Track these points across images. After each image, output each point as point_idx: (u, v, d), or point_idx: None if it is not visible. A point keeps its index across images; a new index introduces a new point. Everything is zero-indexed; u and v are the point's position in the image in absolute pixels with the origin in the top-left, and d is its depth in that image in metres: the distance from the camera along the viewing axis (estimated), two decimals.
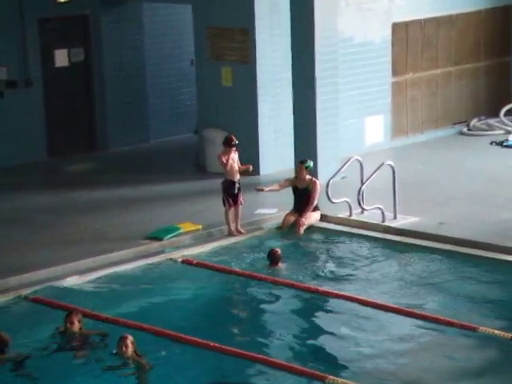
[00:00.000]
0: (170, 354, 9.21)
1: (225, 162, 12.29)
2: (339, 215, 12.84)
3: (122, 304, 10.45)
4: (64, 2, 15.93)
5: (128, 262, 11.55)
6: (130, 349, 8.88)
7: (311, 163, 12.72)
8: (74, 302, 10.35)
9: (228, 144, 12.38)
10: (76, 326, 9.30)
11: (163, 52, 17.07)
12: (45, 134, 16.09)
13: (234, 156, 12.36)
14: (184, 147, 16.59)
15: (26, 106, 15.82)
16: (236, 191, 12.36)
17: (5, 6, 15.42)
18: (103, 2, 16.26)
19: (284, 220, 12.58)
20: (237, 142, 12.39)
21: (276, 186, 12.82)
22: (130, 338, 8.91)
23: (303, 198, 12.60)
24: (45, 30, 15.95)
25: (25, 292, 10.72)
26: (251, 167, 12.56)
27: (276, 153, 14.91)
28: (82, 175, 15.36)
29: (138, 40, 16.69)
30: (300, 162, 12.77)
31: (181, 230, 12.34)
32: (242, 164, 12.47)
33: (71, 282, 11.05)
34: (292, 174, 13.00)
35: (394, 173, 12.65)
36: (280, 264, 11.34)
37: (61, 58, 16.21)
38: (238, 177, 12.42)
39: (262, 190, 12.73)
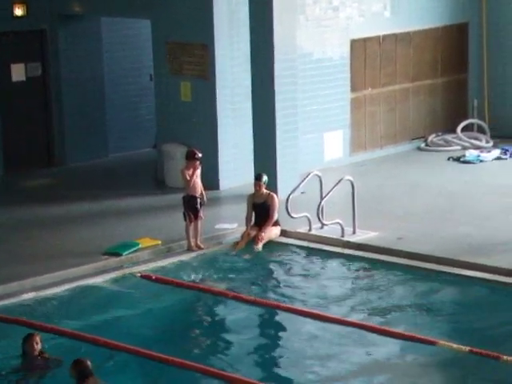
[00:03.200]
0: (126, 368, 9.13)
1: (188, 178, 12.22)
2: (299, 230, 12.85)
3: (80, 319, 10.34)
4: (20, 16, 15.82)
5: (86, 278, 11.43)
6: (38, 347, 8.98)
7: (266, 177, 12.69)
8: (31, 318, 10.22)
9: (191, 158, 12.32)
10: (33, 347, 9.10)
11: (122, 66, 17.01)
12: (1, 149, 15.92)
13: (197, 171, 12.31)
14: (143, 162, 16.51)
15: None
16: (198, 206, 12.31)
17: None
18: (60, 17, 16.17)
19: (244, 234, 12.55)
20: (200, 155, 12.35)
21: (249, 223, 12.47)
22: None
23: (262, 212, 12.58)
24: (1, 44, 15.82)
25: None
26: None
27: (235, 168, 14.90)
28: (39, 190, 15.20)
29: (96, 55, 16.60)
30: (256, 179, 12.74)
31: (139, 246, 12.25)
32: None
33: (28, 298, 10.89)
34: (252, 189, 12.99)
35: (353, 188, 12.70)
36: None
37: (17, 72, 16.07)
38: (199, 191, 12.37)
39: (259, 242, 12.27)
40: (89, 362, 8.50)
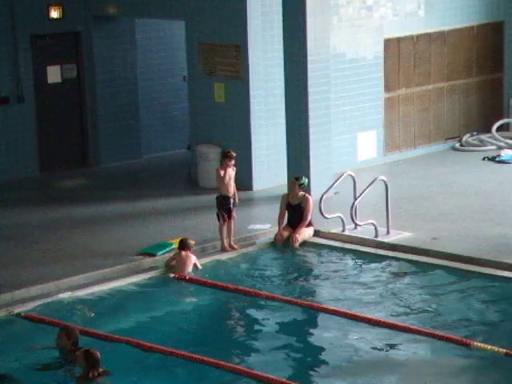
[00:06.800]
0: (161, 369, 9.17)
1: (222, 176, 12.30)
2: (332, 230, 12.83)
3: (115, 320, 10.41)
4: (56, 19, 15.97)
5: (121, 278, 11.50)
6: (65, 341, 9.10)
7: (306, 180, 12.70)
8: (66, 319, 10.31)
9: (224, 156, 12.40)
10: (63, 341, 9.22)
11: (155, 68, 17.09)
12: (37, 150, 16.07)
13: (232, 172, 12.37)
14: (177, 163, 16.58)
15: (18, 122, 15.82)
16: (231, 206, 12.36)
17: None
18: (95, 19, 16.29)
19: (277, 235, 12.56)
20: (234, 154, 12.41)
21: (281, 222, 12.52)
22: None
23: (296, 213, 12.58)
24: (37, 47, 15.96)
25: (17, 309, 10.66)
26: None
27: (269, 168, 14.91)
28: (73, 191, 15.32)
29: (130, 56, 16.71)
30: (295, 179, 12.75)
31: (174, 246, 12.31)
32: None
33: (64, 298, 10.99)
34: (285, 190, 12.99)
35: (386, 188, 12.66)
36: (190, 252, 11.63)
37: (53, 74, 16.21)
38: (232, 192, 12.42)
39: (294, 244, 12.33)
40: (98, 354, 8.62)
